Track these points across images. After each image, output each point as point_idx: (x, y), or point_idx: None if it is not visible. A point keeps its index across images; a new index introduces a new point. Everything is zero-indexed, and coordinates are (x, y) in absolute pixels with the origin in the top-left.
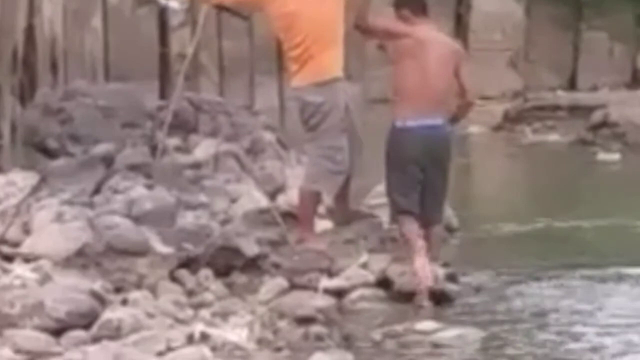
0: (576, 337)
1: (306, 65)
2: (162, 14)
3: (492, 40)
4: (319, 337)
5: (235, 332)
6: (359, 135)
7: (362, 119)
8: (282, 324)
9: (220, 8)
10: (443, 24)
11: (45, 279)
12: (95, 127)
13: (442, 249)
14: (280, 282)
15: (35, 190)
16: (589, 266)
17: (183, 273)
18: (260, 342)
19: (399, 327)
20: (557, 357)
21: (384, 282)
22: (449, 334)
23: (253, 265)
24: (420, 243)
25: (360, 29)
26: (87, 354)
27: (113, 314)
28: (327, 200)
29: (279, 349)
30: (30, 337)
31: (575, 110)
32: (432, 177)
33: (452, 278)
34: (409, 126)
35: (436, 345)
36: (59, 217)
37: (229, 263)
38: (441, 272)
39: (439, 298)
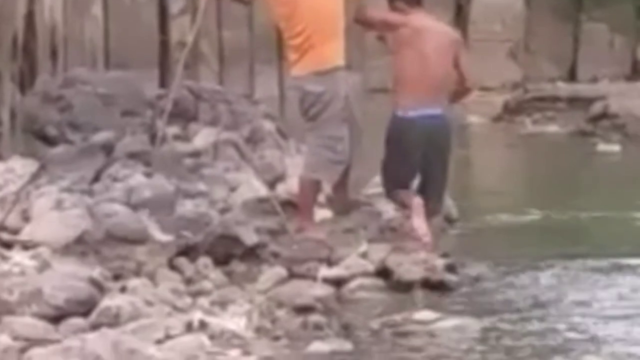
0: (575, 328)
1: (306, 55)
2: (163, 1)
3: (492, 31)
4: (317, 326)
5: (233, 321)
6: (358, 124)
7: (362, 108)
8: (281, 313)
9: None
10: (443, 15)
11: (44, 266)
12: (95, 115)
13: (441, 240)
14: (279, 271)
15: (34, 177)
16: (588, 257)
17: (182, 261)
18: (259, 330)
19: (397, 317)
20: (555, 348)
21: (383, 272)
22: (448, 324)
23: (252, 254)
24: (417, 201)
25: (359, 22)
26: (86, 341)
27: (112, 301)
28: (327, 189)
29: (277, 338)
30: (28, 324)
31: (575, 101)
32: (432, 168)
33: (451, 268)
34: (410, 116)
35: (434, 335)
36: (58, 205)
37: (228, 251)
38: (440, 262)
39: (438, 288)
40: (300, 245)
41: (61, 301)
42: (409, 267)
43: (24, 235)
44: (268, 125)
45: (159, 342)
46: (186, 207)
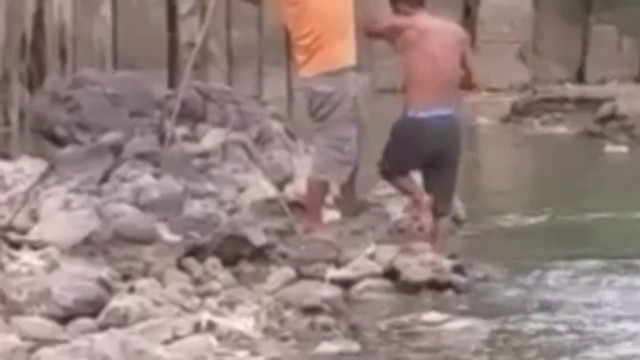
0: (582, 329)
1: (315, 55)
2: (171, 1)
3: (500, 32)
4: (325, 327)
5: (241, 322)
6: (364, 125)
7: (370, 109)
8: (289, 313)
9: None
10: (451, 16)
11: (52, 266)
12: (104, 116)
13: (449, 241)
14: (288, 271)
15: (43, 177)
16: (596, 257)
17: (190, 262)
18: (267, 331)
19: (405, 318)
20: (563, 349)
21: (391, 273)
22: (455, 325)
23: (260, 254)
24: (425, 199)
25: (369, 36)
26: (94, 341)
27: (120, 302)
28: (335, 190)
29: (285, 339)
30: (37, 324)
31: (584, 103)
32: (441, 168)
33: (459, 270)
34: (421, 117)
35: (442, 336)
36: (67, 205)
37: (236, 252)
38: (448, 263)
39: (446, 289)
40: (308, 246)
41: (69, 301)
42: (416, 269)
43: (32, 236)
44: (276, 126)
45: (167, 342)
46: (194, 207)
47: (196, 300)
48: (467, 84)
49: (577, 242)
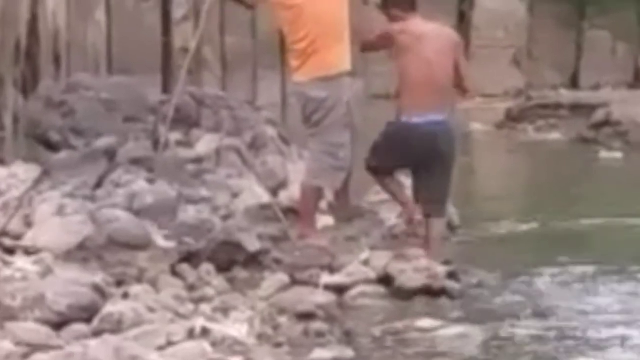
0: (577, 334)
1: (310, 60)
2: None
3: (494, 37)
4: (319, 333)
5: (235, 328)
6: (357, 131)
7: (364, 115)
8: (283, 319)
9: None
10: (446, 21)
11: (46, 272)
12: (98, 121)
13: (443, 247)
14: (282, 277)
15: (37, 183)
16: (591, 264)
17: (184, 267)
18: (261, 337)
19: (399, 324)
20: (558, 356)
21: (385, 279)
22: (450, 331)
23: (254, 260)
24: (402, 191)
25: (365, 50)
26: (88, 347)
27: (114, 307)
28: (329, 196)
29: (279, 345)
30: (31, 330)
31: (578, 108)
32: (432, 173)
33: (453, 276)
34: (415, 122)
35: (436, 342)
36: (61, 210)
37: (230, 258)
38: (442, 270)
39: (440, 296)
40: (302, 252)
41: (64, 307)
42: (411, 275)
43: (26, 241)
44: (270, 132)
45: (161, 348)
46: (188, 213)
47: (190, 306)
48: (459, 88)
49: (571, 249)
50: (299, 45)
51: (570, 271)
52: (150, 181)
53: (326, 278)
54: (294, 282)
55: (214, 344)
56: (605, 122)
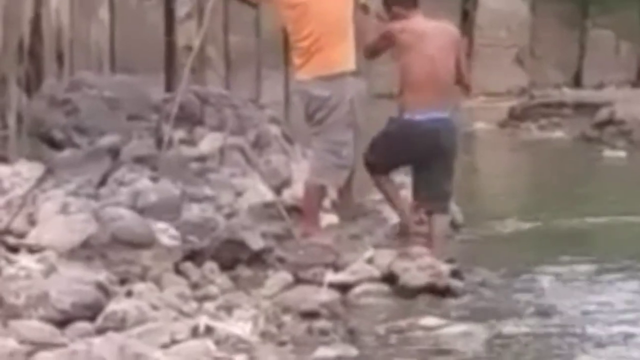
0: (581, 334)
1: (313, 58)
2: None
3: (498, 37)
4: (323, 332)
5: (239, 326)
6: (360, 130)
7: (367, 114)
8: (287, 318)
9: None
10: (449, 20)
11: (50, 270)
12: (101, 119)
13: (447, 245)
14: (285, 276)
15: (40, 181)
16: (594, 262)
17: (188, 266)
18: (264, 335)
19: (403, 323)
20: (562, 354)
21: (389, 277)
22: (453, 330)
23: (258, 259)
24: (397, 194)
25: (369, 56)
26: (92, 345)
27: (118, 305)
28: (333, 194)
29: (283, 343)
30: (34, 328)
31: (581, 107)
32: (433, 169)
33: (456, 274)
34: (418, 120)
35: (440, 341)
36: (65, 209)
37: (234, 256)
38: (446, 268)
39: (444, 294)
40: (306, 250)
41: (67, 305)
42: (414, 273)
43: (30, 239)
44: (274, 130)
45: (164, 346)
46: (192, 211)
47: (194, 305)
48: (460, 84)
49: (574, 247)
50: (302, 43)
51: (573, 269)
52: (154, 179)
53: (330, 276)
54: (298, 280)
55: (217, 342)
56: (609, 121)
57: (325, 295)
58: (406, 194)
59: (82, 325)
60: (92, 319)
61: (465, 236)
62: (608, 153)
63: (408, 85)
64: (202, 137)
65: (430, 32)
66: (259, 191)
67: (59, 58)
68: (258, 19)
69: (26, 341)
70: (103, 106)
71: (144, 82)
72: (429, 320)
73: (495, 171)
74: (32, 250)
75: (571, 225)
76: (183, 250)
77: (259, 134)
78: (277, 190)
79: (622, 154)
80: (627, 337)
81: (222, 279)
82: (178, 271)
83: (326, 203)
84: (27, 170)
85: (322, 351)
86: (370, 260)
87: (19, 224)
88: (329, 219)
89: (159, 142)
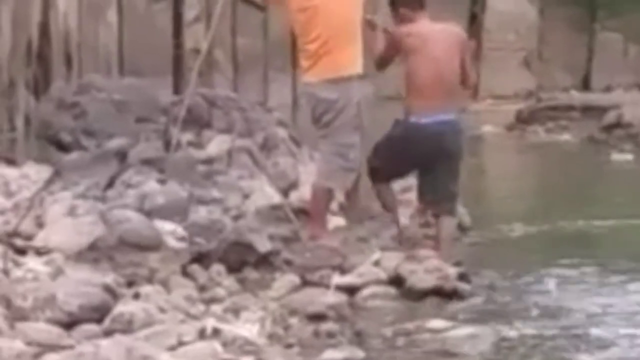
0: (588, 337)
1: (321, 61)
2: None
3: (506, 40)
4: (330, 334)
5: (246, 328)
6: (366, 132)
7: (376, 116)
8: (294, 320)
9: None
10: (457, 23)
11: (57, 272)
12: (109, 122)
13: (454, 248)
14: (292, 278)
15: (48, 183)
16: (601, 265)
17: (195, 268)
18: (271, 338)
19: (410, 325)
20: (568, 356)
21: (395, 280)
22: (461, 332)
23: (265, 261)
24: (394, 205)
25: (382, 67)
26: (99, 347)
27: (125, 307)
28: (340, 197)
29: (290, 346)
30: (42, 329)
31: (589, 110)
32: (439, 172)
33: (464, 277)
34: (424, 123)
35: (447, 343)
36: (72, 211)
37: (241, 259)
38: (453, 271)
39: (451, 296)
40: (313, 252)
41: (74, 307)
42: (422, 276)
43: (37, 242)
44: (281, 133)
45: (172, 348)
46: (200, 213)
47: (201, 307)
48: (463, 84)
49: (581, 250)
50: (310, 46)
51: (580, 272)
52: (162, 182)
53: (337, 279)
54: (305, 282)
55: (224, 345)
56: (617, 124)
57: (332, 297)
58: (412, 196)
59: (89, 328)
60: (99, 321)
61: (473, 239)
62: (615, 156)
63: (414, 88)
64: (210, 139)
65: (436, 34)
66: (267, 193)
67: (67, 61)
68: (265, 22)
69: (33, 343)
70: (111, 109)
71: (152, 85)
72: (436, 323)
73: (502, 174)
74: (39, 252)
75: (578, 228)
76: (190, 252)
77: (267, 137)
78: (285, 192)
79: (629, 156)
80: (634, 339)
81: (229, 281)
82: (185, 273)
83: (333, 206)
84: (35, 173)
85: (329, 353)
86: (377, 263)
87: (26, 226)
88: (336, 221)
89: (167, 145)
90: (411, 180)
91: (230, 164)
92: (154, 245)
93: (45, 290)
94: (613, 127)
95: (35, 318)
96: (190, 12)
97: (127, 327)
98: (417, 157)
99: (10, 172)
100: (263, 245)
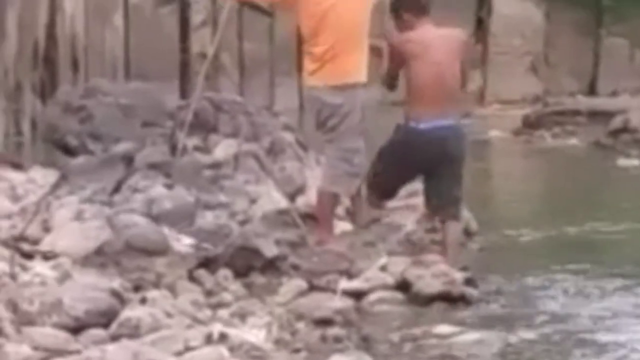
0: (595, 343)
1: (326, 66)
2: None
3: (512, 44)
4: (336, 339)
5: (253, 333)
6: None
7: (381, 122)
8: (300, 325)
9: (245, 3)
10: (463, 28)
11: (64, 277)
12: (116, 126)
13: (461, 253)
14: (299, 283)
15: (55, 188)
16: (607, 270)
17: (202, 273)
18: (278, 343)
19: (417, 330)
20: None
21: (402, 285)
22: (467, 338)
23: (272, 266)
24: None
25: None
26: (106, 352)
27: (132, 312)
28: (347, 202)
29: (296, 350)
30: (48, 334)
31: (595, 115)
32: (442, 177)
33: (470, 282)
34: (424, 128)
35: (454, 348)
36: (79, 216)
37: (248, 263)
38: (460, 276)
39: (458, 302)
40: (320, 257)
41: (81, 312)
42: (428, 281)
43: (44, 246)
44: (288, 137)
45: (178, 353)
46: (206, 218)
47: (208, 312)
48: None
49: (588, 255)
50: (317, 49)
51: (587, 277)
52: (168, 186)
53: (344, 284)
54: (312, 287)
55: (231, 349)
56: (623, 129)
57: (339, 302)
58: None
59: (96, 332)
60: (106, 326)
61: (480, 244)
62: (622, 161)
63: (415, 94)
64: (216, 144)
65: (437, 40)
66: (273, 198)
67: (74, 65)
68: (272, 26)
69: (40, 348)
70: (118, 113)
71: (159, 89)
72: (443, 328)
73: (509, 179)
74: (46, 257)
75: (584, 233)
76: (197, 257)
77: (273, 141)
78: (291, 197)
79: (636, 162)
80: None
81: (236, 286)
82: (192, 278)
83: (340, 211)
84: (41, 177)
85: (335, 358)
86: (384, 268)
87: (33, 230)
88: (342, 226)
89: (173, 149)
90: (417, 185)
91: (237, 169)
92: (160, 249)
93: (52, 295)
94: (620, 132)
95: (42, 323)
96: (197, 16)
97: (134, 332)
98: (419, 162)
99: (16, 176)
100: (270, 250)
